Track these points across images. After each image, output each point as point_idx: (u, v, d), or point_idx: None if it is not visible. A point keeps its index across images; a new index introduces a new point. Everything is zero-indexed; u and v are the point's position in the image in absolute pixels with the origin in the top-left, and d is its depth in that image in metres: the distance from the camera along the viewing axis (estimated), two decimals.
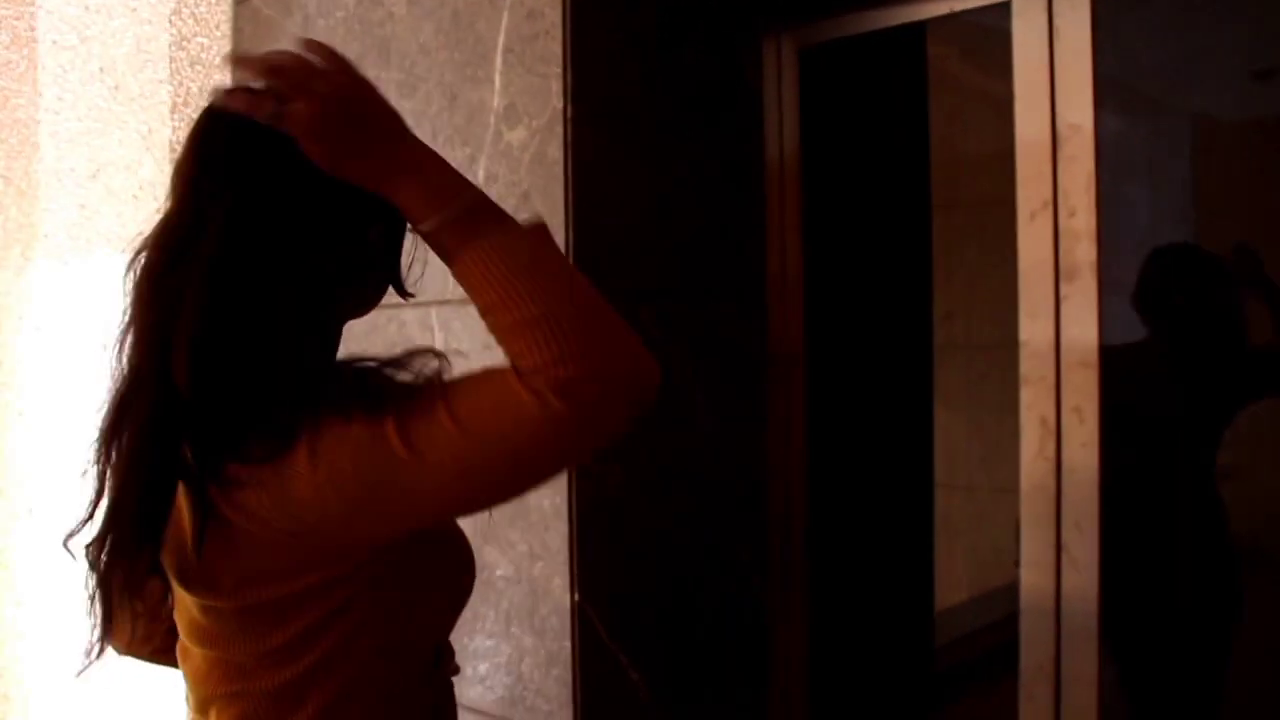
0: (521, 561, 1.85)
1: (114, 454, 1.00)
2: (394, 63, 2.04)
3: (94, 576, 1.03)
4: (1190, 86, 2.68)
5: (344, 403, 0.94)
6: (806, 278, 2.12)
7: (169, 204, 1.01)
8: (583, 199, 1.78)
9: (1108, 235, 1.64)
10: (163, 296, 0.96)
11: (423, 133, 1.92)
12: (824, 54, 2.10)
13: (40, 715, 2.37)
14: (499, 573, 1.89)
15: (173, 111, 2.33)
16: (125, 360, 1.00)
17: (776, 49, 2.11)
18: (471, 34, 1.91)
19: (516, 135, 1.83)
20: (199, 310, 0.94)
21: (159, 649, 1.25)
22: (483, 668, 1.92)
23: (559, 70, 1.77)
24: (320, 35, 2.15)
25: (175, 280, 0.96)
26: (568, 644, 1.79)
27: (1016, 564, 1.71)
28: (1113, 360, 1.64)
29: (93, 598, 1.04)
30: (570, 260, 1.57)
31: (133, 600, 1.12)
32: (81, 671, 1.08)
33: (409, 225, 1.02)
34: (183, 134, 1.03)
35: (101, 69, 2.38)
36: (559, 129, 1.77)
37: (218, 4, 2.40)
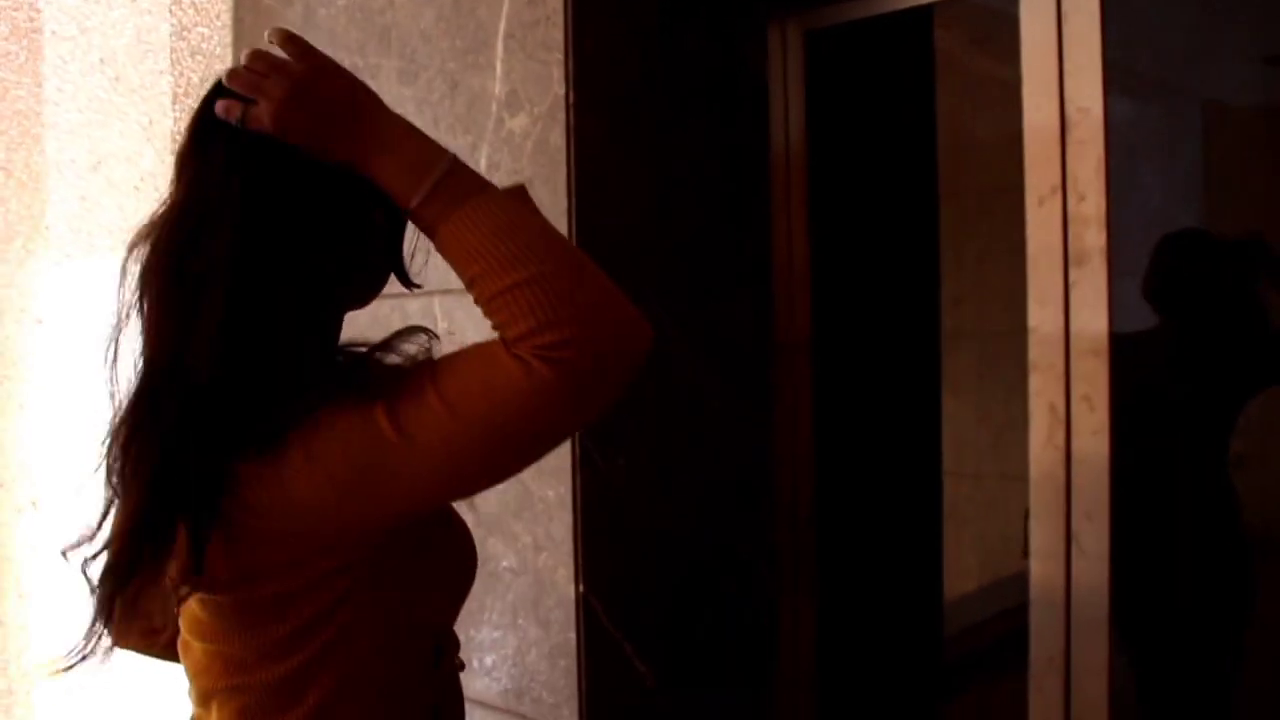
0: (526, 553, 1.84)
1: (131, 457, 0.98)
2: (395, 50, 2.02)
3: (106, 586, 1.00)
4: (1200, 72, 2.66)
5: (336, 392, 0.93)
6: (813, 265, 2.10)
7: (172, 193, 1.00)
8: (585, 186, 1.76)
9: (1117, 221, 1.62)
10: (178, 285, 0.95)
11: (424, 121, 1.92)
12: (829, 39, 2.08)
13: (44, 709, 2.37)
14: (504, 564, 1.88)
15: (174, 102, 2.32)
16: (137, 354, 0.99)
17: (781, 34, 2.09)
18: (473, 20, 1.89)
19: (518, 122, 1.82)
20: (223, 296, 0.93)
21: (161, 644, 1.24)
22: (489, 659, 1.92)
23: (560, 57, 1.75)
24: (321, 24, 2.14)
25: (192, 269, 0.94)
26: (572, 635, 1.78)
27: (1025, 554, 1.69)
28: (1123, 348, 1.62)
29: (101, 605, 1.01)
30: None
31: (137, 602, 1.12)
32: (70, 668, 1.06)
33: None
34: (184, 125, 1.03)
35: (102, 60, 2.36)
36: (561, 116, 1.75)
37: None
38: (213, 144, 0.98)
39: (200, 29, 2.36)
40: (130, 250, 1.00)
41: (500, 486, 1.86)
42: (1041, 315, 1.66)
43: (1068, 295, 1.63)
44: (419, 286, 1.12)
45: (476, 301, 0.94)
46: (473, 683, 1.92)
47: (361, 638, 1.02)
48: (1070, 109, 1.62)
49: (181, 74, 2.32)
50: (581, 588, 1.77)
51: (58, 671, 1.04)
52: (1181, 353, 2.30)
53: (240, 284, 0.94)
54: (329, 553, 0.98)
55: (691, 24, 1.97)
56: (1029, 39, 1.68)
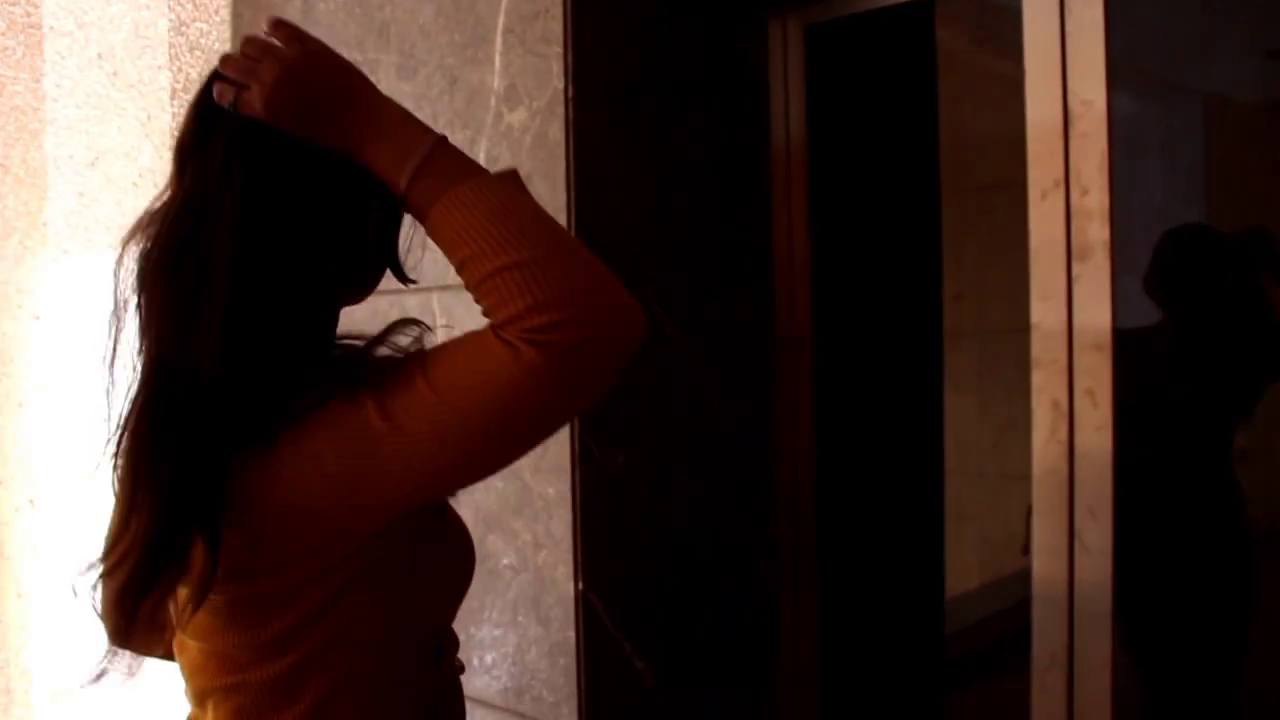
0: (526, 550, 1.83)
1: (141, 463, 0.96)
2: (394, 45, 2.01)
3: (127, 602, 0.98)
4: (1203, 67, 2.66)
5: (335, 388, 0.92)
6: (814, 261, 2.09)
7: (171, 186, 0.99)
8: (585, 180, 1.75)
9: (1120, 216, 1.60)
10: (179, 280, 0.94)
11: (423, 116, 1.88)
12: (830, 33, 2.07)
13: (44, 708, 2.36)
14: (504, 562, 1.87)
15: (172, 98, 2.30)
16: (137, 351, 0.98)
17: (782, 28, 2.08)
18: (471, 15, 1.88)
19: (517, 117, 1.81)
20: (225, 289, 0.92)
21: (162, 644, 1.23)
22: (489, 657, 1.91)
23: (559, 50, 1.74)
24: (320, 18, 2.13)
25: (193, 263, 0.94)
26: (572, 634, 1.77)
27: (1025, 551, 1.68)
28: (1126, 343, 1.61)
29: (120, 624, 1.00)
30: None
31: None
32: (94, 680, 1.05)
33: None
34: (182, 120, 1.02)
35: (99, 55, 2.35)
36: (560, 110, 1.74)
37: None
38: (212, 136, 0.97)
39: (199, 24, 2.35)
40: (126, 244, 0.99)
41: (500, 483, 1.86)
42: (1044, 310, 1.65)
43: (1070, 290, 1.62)
44: (414, 282, 1.11)
45: (467, 286, 0.93)
46: (473, 681, 1.91)
47: (358, 636, 1.01)
48: (1073, 102, 1.61)
49: (180, 69, 2.31)
50: (580, 585, 1.76)
51: (83, 687, 1.04)
52: (1185, 348, 2.29)
53: (242, 277, 0.93)
54: (323, 549, 0.97)
55: (691, 17, 1.96)
56: (1032, 31, 1.66)
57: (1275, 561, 2.27)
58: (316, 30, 2.07)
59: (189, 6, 2.36)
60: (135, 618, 1.00)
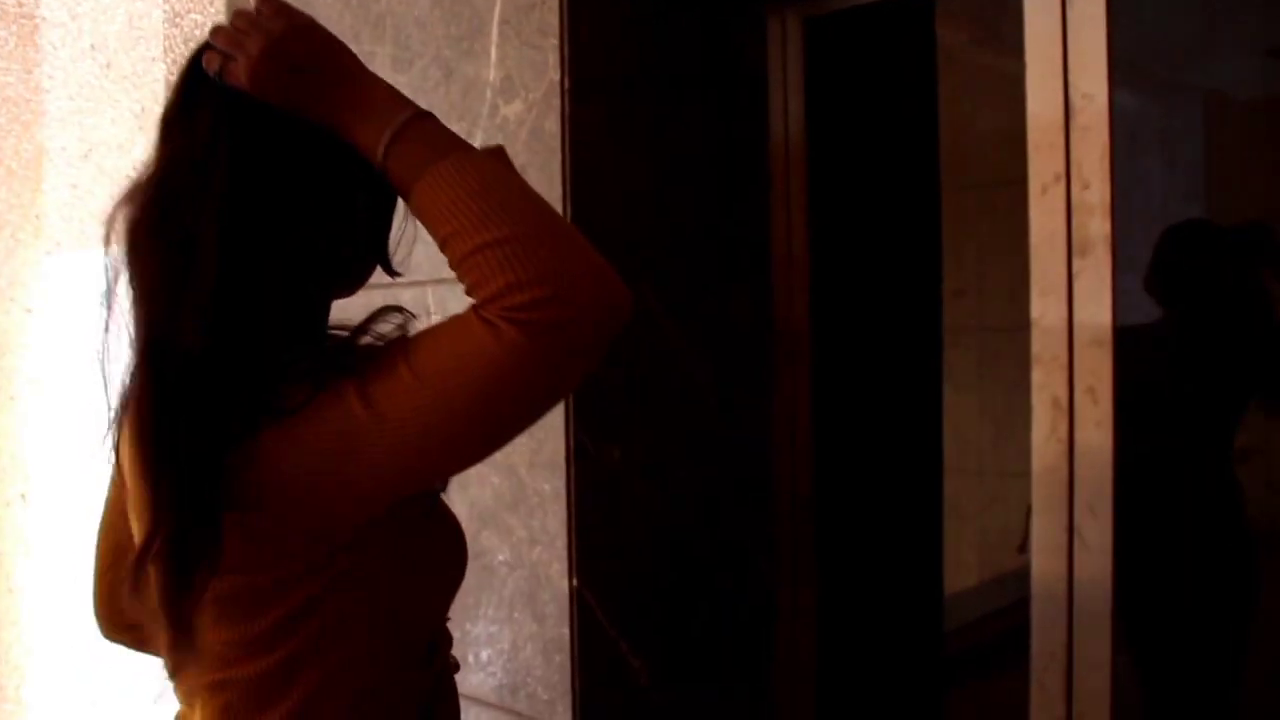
0: (520, 547, 1.82)
1: (147, 454, 0.95)
2: (389, 37, 2.00)
3: (175, 595, 0.95)
4: (1204, 63, 2.64)
5: (317, 377, 0.91)
6: (812, 256, 2.08)
7: (157, 156, 0.98)
8: (581, 174, 1.74)
9: (1120, 212, 1.59)
10: (167, 251, 0.93)
11: None
12: (830, 26, 2.06)
13: (35, 703, 2.35)
14: (499, 558, 1.86)
15: (167, 90, 2.29)
16: (130, 328, 0.97)
17: (781, 21, 2.07)
18: (467, 7, 1.87)
19: (513, 109, 1.79)
20: (214, 259, 0.91)
21: (153, 640, 1.22)
22: (484, 654, 1.89)
23: (556, 42, 1.73)
24: (316, 10, 2.11)
25: (180, 233, 0.92)
26: (566, 630, 1.76)
27: (1022, 549, 1.67)
28: (1127, 341, 1.60)
29: (180, 629, 0.97)
30: None
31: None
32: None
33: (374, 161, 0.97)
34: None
35: (93, 46, 2.34)
36: (556, 102, 1.73)
37: None
38: (199, 107, 0.96)
39: (194, 15, 2.33)
40: (112, 218, 0.98)
41: (495, 479, 1.85)
42: (1044, 306, 1.64)
43: (1071, 285, 1.61)
44: (400, 274, 1.10)
45: (450, 265, 0.91)
46: (468, 678, 1.90)
47: (347, 633, 1.00)
48: (1074, 94, 1.60)
49: (174, 61, 2.30)
50: (575, 582, 1.75)
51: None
52: (1186, 345, 2.28)
53: (229, 250, 0.91)
54: (311, 543, 0.95)
55: (688, 10, 1.94)
56: (1033, 23, 1.65)
57: (1275, 561, 2.26)
58: None
59: None
60: (185, 616, 0.97)
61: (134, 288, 0.96)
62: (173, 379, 0.92)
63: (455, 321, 0.89)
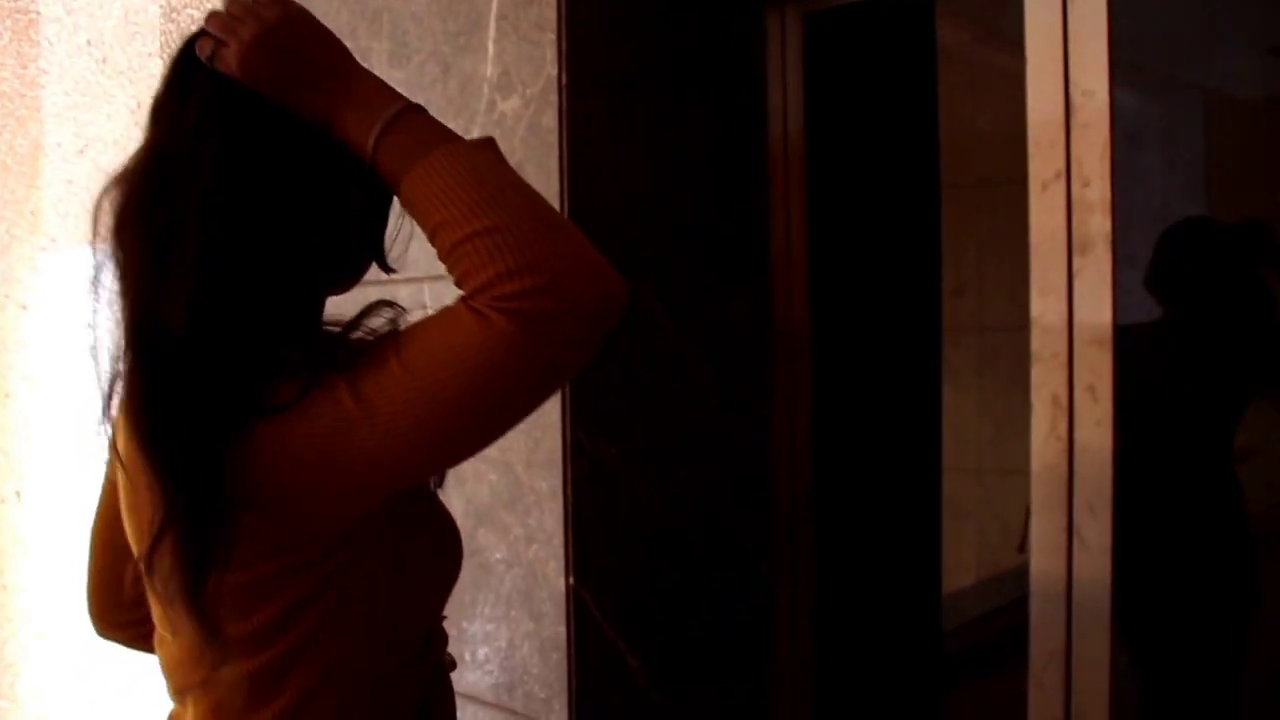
0: (517, 545, 1.81)
1: (157, 440, 0.93)
2: (386, 32, 1.99)
3: (193, 590, 0.94)
4: (1205, 61, 2.64)
5: (310, 373, 0.90)
6: (812, 255, 2.07)
7: (147, 140, 0.97)
8: (578, 170, 1.73)
9: (1121, 210, 1.58)
10: (153, 234, 0.92)
11: None
12: (829, 23, 2.05)
13: (30, 700, 2.34)
14: (496, 556, 1.85)
15: None
16: (117, 313, 0.96)
17: (780, 17, 2.06)
18: (465, 2, 1.86)
19: (510, 105, 1.78)
20: (197, 242, 0.90)
21: (148, 637, 1.21)
22: (481, 652, 1.89)
23: (553, 37, 1.72)
24: (312, 5, 2.09)
25: (166, 216, 0.92)
26: (563, 629, 1.75)
27: (1021, 549, 1.66)
28: (1127, 339, 1.59)
29: (206, 624, 0.96)
30: None
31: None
32: None
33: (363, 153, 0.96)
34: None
35: (89, 41, 2.33)
36: (553, 98, 1.72)
37: None
38: (190, 92, 0.95)
39: (190, 10, 2.32)
40: (100, 200, 0.97)
41: (493, 476, 1.84)
42: (1044, 304, 1.63)
43: (1071, 283, 1.60)
44: (394, 270, 1.09)
45: (440, 256, 0.90)
46: (465, 676, 1.89)
47: (341, 631, 0.99)
48: (1075, 92, 1.59)
49: (171, 56, 2.28)
50: (572, 580, 1.74)
51: None
52: (1187, 344, 2.27)
53: (213, 235, 0.91)
54: (304, 541, 0.95)
55: (688, 5, 1.93)
56: (1034, 19, 1.64)
57: (1275, 561, 2.25)
58: None
59: None
60: (208, 608, 0.95)
61: (119, 272, 0.95)
62: (160, 364, 0.92)
63: (445, 313, 0.88)
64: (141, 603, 1.13)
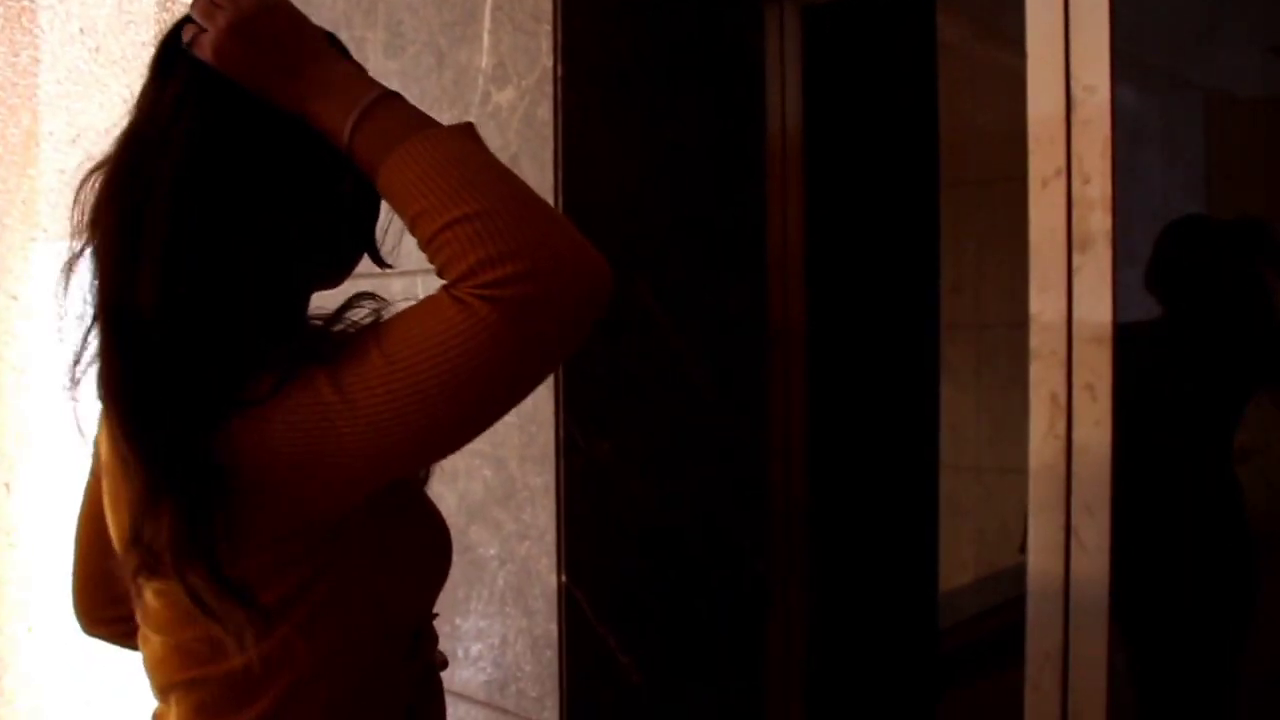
0: (509, 541, 1.80)
1: (134, 428, 0.92)
2: (381, 22, 1.97)
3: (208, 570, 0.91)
4: (1205, 59, 2.63)
5: (289, 366, 0.88)
6: (809, 251, 2.06)
7: (128, 122, 0.96)
8: (573, 162, 1.71)
9: (1121, 208, 1.57)
10: (124, 214, 0.91)
11: (410, 95, 1.85)
12: (828, 17, 2.03)
13: (19, 695, 2.33)
14: (489, 553, 1.84)
15: None
16: (90, 297, 0.94)
17: (779, 10, 2.04)
18: None
19: (505, 96, 1.77)
20: (166, 214, 0.89)
21: (126, 634, 1.20)
22: (474, 649, 1.87)
23: (549, 28, 1.70)
24: None
25: (136, 195, 0.90)
26: (554, 628, 1.73)
27: (1023, 549, 1.65)
28: (1126, 338, 1.57)
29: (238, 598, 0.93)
30: None
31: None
32: None
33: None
34: None
35: (82, 30, 2.31)
36: (549, 89, 1.70)
37: None
38: (172, 76, 0.94)
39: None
40: (82, 185, 0.96)
41: (487, 472, 1.82)
42: (1043, 302, 1.61)
43: (1071, 281, 1.58)
44: (390, 266, 1.08)
45: (420, 245, 0.88)
46: (457, 673, 1.88)
47: (326, 629, 0.97)
48: (1076, 88, 1.57)
49: None
50: (564, 578, 1.73)
51: None
52: (1187, 343, 2.26)
53: (183, 215, 0.89)
54: (287, 537, 0.93)
55: None
56: (1034, 14, 1.62)
57: (1274, 562, 2.24)
58: (303, 7, 2.04)
59: None
60: (232, 580, 0.92)
61: (94, 254, 0.94)
62: (131, 347, 0.91)
63: (427, 302, 0.86)
64: (127, 599, 1.12)
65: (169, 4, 2.29)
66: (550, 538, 1.73)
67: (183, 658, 1.00)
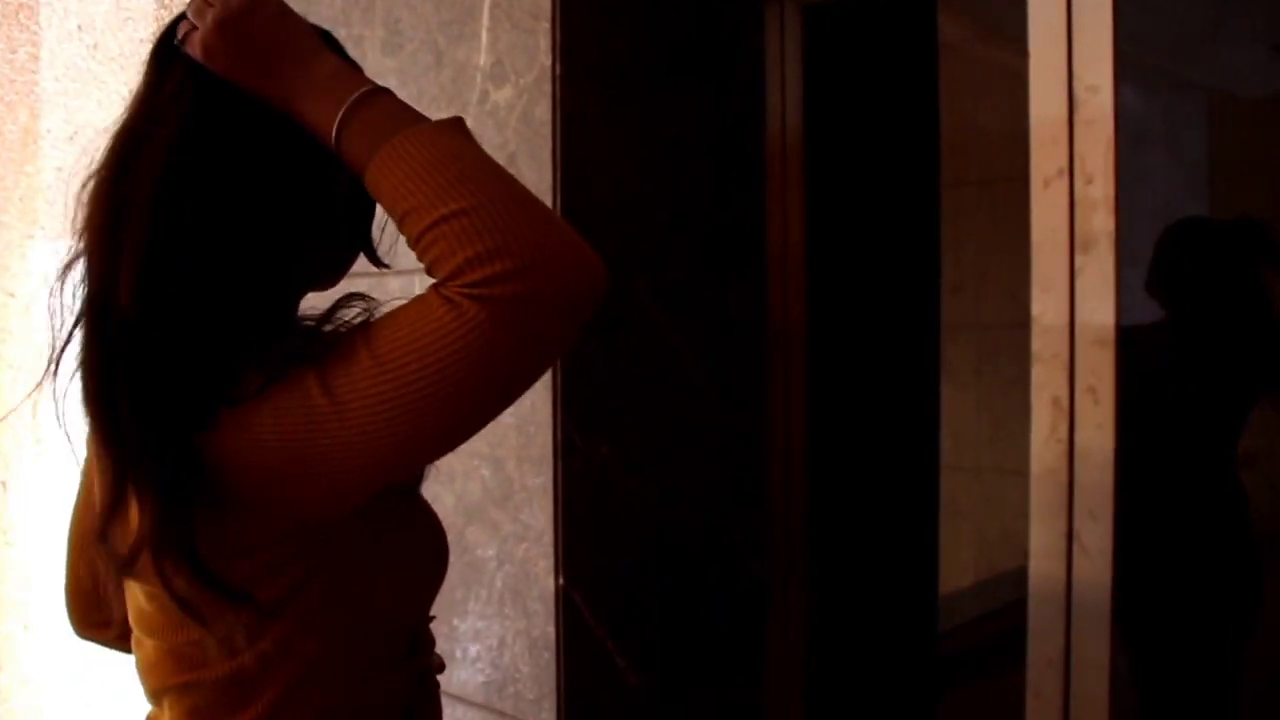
0: (506, 543, 1.79)
1: (108, 424, 0.91)
2: (379, 20, 1.96)
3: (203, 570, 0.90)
4: (1209, 59, 2.63)
5: (278, 367, 0.87)
6: (809, 250, 2.05)
7: (123, 118, 0.95)
8: (571, 161, 1.70)
9: (1124, 208, 1.55)
10: (110, 208, 0.90)
11: (408, 93, 1.86)
12: (829, 16, 2.02)
13: (15, 692, 2.32)
14: (487, 554, 1.83)
15: None
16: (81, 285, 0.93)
17: (779, 9, 2.03)
18: None
19: (503, 94, 1.76)
20: (147, 215, 0.88)
21: (118, 636, 1.19)
22: (472, 650, 1.87)
23: (548, 26, 1.69)
24: None
25: (122, 189, 0.90)
26: (552, 629, 1.73)
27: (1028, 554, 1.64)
28: (1129, 340, 1.56)
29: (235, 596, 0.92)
30: None
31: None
32: None
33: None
34: None
35: (80, 26, 2.30)
36: (547, 88, 1.70)
37: None
38: (164, 74, 0.94)
39: None
40: (84, 186, 0.95)
41: (486, 472, 1.81)
42: (1045, 303, 1.60)
43: (1073, 282, 1.57)
44: (387, 266, 1.06)
45: (409, 244, 0.87)
46: (455, 674, 1.87)
47: (319, 632, 0.96)
48: (1079, 88, 1.56)
49: None
50: (561, 580, 1.72)
51: None
52: (1191, 346, 2.25)
53: (166, 212, 0.88)
54: (279, 540, 0.91)
55: None
56: (1036, 14, 1.61)
57: (1278, 566, 2.23)
58: (297, 4, 2.02)
59: None
60: (228, 581, 0.91)
61: (83, 249, 0.93)
62: (110, 344, 0.89)
63: (416, 302, 0.85)
64: (119, 601, 1.11)
65: (167, 1, 2.28)
66: (548, 539, 1.72)
67: (176, 662, 0.98)
